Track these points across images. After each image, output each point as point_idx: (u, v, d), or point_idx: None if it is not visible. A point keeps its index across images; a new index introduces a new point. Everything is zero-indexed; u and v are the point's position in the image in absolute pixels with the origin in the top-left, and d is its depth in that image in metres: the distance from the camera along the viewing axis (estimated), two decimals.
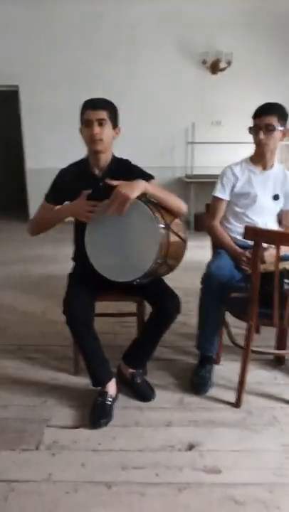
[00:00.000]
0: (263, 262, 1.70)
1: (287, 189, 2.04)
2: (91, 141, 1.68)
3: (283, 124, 1.91)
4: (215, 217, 2.09)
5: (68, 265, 1.93)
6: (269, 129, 1.88)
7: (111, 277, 1.61)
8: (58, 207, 1.79)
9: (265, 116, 1.87)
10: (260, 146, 1.95)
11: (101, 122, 1.66)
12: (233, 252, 1.97)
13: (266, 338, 2.21)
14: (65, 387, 1.90)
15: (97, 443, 1.53)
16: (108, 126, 1.68)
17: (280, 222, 2.12)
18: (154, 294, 1.73)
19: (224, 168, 2.09)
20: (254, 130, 1.93)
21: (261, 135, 1.90)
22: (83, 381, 1.91)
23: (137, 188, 1.52)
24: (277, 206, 2.06)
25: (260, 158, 2.02)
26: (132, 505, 1.27)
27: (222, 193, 2.05)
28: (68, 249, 1.93)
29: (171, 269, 1.68)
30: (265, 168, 2.03)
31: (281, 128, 1.90)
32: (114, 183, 1.54)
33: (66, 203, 1.76)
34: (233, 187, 2.04)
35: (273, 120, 1.87)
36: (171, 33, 5.98)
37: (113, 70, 5.93)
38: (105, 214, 1.55)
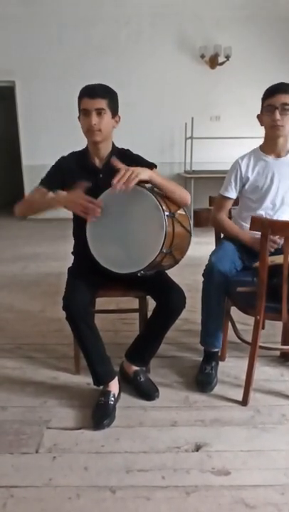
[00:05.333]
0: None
1: None
2: (89, 131, 1.61)
3: None
4: (221, 211, 1.97)
5: (67, 263, 1.86)
6: (286, 109, 1.72)
7: (115, 269, 1.54)
8: (50, 193, 1.67)
9: (281, 94, 1.71)
10: (274, 128, 1.77)
11: (100, 112, 1.58)
12: (247, 239, 1.86)
13: (271, 334, 2.16)
14: (66, 386, 1.83)
15: (100, 445, 1.47)
16: (107, 115, 1.61)
17: None
18: (158, 289, 1.66)
19: (234, 162, 1.95)
20: (267, 110, 1.76)
21: (277, 115, 1.72)
22: (84, 380, 1.85)
23: (146, 170, 1.47)
24: None
25: (272, 145, 1.86)
26: (137, 511, 1.21)
27: (229, 191, 1.93)
28: (67, 247, 1.87)
29: (175, 261, 1.62)
30: (279, 155, 1.88)
31: None
32: (120, 165, 1.47)
33: (59, 191, 1.66)
34: (244, 184, 1.92)
35: None
36: (169, 27, 5.92)
37: (111, 65, 5.87)
38: (111, 193, 1.48)
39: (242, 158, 1.94)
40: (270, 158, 1.88)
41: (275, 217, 1.89)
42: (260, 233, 1.86)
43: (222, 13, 5.84)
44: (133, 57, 5.97)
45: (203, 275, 1.81)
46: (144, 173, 1.46)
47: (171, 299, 1.63)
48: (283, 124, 1.75)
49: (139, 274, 1.52)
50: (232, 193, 1.95)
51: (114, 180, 1.41)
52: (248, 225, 1.94)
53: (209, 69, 6.03)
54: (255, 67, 5.96)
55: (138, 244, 1.51)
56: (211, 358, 1.89)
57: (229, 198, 1.96)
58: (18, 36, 5.84)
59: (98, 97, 1.57)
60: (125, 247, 1.54)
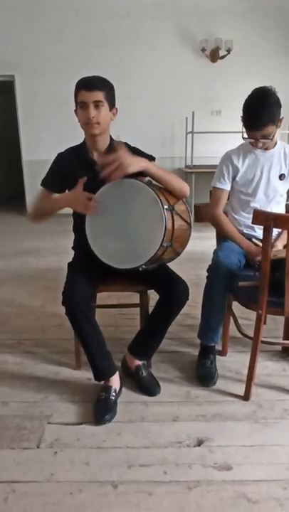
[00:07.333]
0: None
1: None
2: (87, 124, 1.59)
3: (277, 122, 1.76)
4: (218, 205, 1.96)
5: (68, 258, 1.85)
6: (267, 138, 1.78)
7: (116, 265, 1.53)
8: (56, 195, 1.70)
9: (260, 129, 1.74)
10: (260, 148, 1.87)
11: (97, 104, 1.56)
12: (244, 247, 1.85)
13: (273, 329, 2.16)
14: (67, 382, 1.83)
15: (101, 440, 1.47)
16: (105, 108, 1.58)
17: None
18: (161, 281, 1.65)
19: (223, 155, 1.97)
20: (250, 138, 1.81)
21: (260, 144, 1.80)
22: (85, 375, 1.84)
23: (140, 161, 1.44)
24: (284, 186, 1.94)
25: None
26: (139, 506, 1.20)
27: (222, 183, 1.94)
28: (68, 242, 1.86)
29: (176, 254, 1.61)
30: (267, 148, 1.90)
31: (277, 126, 1.77)
32: (113, 156, 1.45)
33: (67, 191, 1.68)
34: (235, 176, 1.93)
35: (269, 129, 1.74)
36: (170, 20, 5.86)
37: (111, 59, 5.82)
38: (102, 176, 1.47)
39: (232, 151, 1.97)
40: (259, 151, 1.90)
41: (268, 209, 1.92)
42: (257, 247, 1.88)
43: (222, 5, 5.77)
44: (133, 50, 5.91)
45: (208, 270, 1.80)
46: (137, 164, 1.44)
47: (174, 290, 1.61)
48: (268, 145, 1.83)
49: (140, 269, 1.51)
50: (226, 185, 1.95)
51: (104, 172, 1.44)
52: (241, 218, 1.96)
53: (210, 62, 5.96)
54: (257, 60, 5.90)
55: (138, 238, 1.50)
56: (209, 351, 1.88)
57: (224, 190, 1.96)
58: (17, 30, 5.78)
59: (96, 89, 1.55)
60: (126, 242, 1.52)
